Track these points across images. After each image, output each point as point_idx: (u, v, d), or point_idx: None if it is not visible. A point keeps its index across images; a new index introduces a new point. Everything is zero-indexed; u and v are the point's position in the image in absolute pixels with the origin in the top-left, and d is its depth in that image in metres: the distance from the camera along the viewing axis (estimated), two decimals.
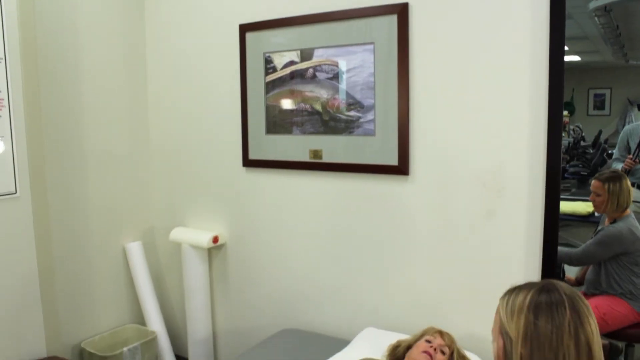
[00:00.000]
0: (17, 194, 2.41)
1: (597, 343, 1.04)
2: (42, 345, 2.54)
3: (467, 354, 2.10)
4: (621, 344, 2.91)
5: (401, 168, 2.31)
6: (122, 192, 3.05)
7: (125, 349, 2.76)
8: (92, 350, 2.77)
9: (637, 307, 2.76)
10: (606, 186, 2.89)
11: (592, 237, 2.98)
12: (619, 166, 3.76)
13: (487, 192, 2.17)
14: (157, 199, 3.20)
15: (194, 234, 2.90)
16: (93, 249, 2.91)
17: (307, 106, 2.53)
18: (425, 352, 1.95)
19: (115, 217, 3.01)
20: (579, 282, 3.17)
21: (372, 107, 2.35)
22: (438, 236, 2.30)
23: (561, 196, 2.12)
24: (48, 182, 2.64)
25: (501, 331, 1.09)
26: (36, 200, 2.53)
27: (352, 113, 2.41)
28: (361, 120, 2.39)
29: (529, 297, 1.07)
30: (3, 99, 2.34)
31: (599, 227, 3.04)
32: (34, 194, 2.51)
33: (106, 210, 2.96)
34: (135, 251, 3.04)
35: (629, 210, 2.91)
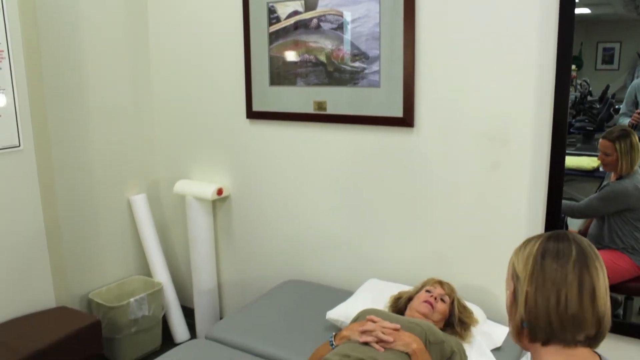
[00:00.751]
0: (21, 147, 2.41)
1: (603, 291, 1.06)
2: (51, 296, 2.59)
3: (467, 304, 2.13)
4: (620, 297, 2.94)
5: (406, 120, 2.29)
6: (126, 145, 3.04)
7: (132, 299, 2.81)
8: (100, 301, 2.82)
9: (638, 262, 2.77)
10: (617, 146, 2.86)
11: (596, 192, 2.96)
12: (625, 121, 3.71)
13: (492, 144, 2.16)
14: (161, 152, 3.19)
15: (198, 186, 2.91)
16: (98, 201, 2.92)
17: (312, 57, 2.49)
18: (426, 301, 1.98)
19: (119, 170, 3.02)
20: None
21: (377, 58, 2.32)
22: (442, 188, 2.30)
23: (566, 151, 2.11)
24: (51, 135, 2.63)
25: (512, 276, 1.12)
26: (40, 153, 2.53)
27: (357, 64, 2.37)
28: (366, 71, 2.36)
29: (539, 242, 1.10)
30: (3, 51, 2.31)
31: (604, 183, 3.03)
32: (37, 147, 2.51)
33: (110, 162, 2.96)
34: (140, 203, 3.06)
35: (635, 166, 2.89)
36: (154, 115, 3.16)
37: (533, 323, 1.05)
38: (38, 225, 2.52)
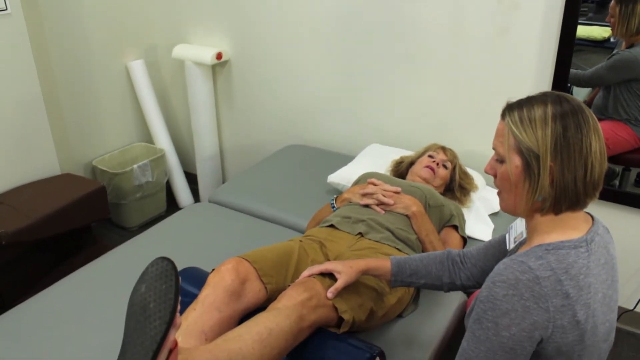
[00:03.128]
0: (8, 11, 2.30)
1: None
2: (55, 164, 2.61)
3: (469, 170, 2.15)
4: (618, 168, 2.98)
5: None
6: (121, 9, 2.91)
7: (135, 166, 2.85)
8: (104, 168, 2.86)
9: (639, 133, 2.78)
10: (618, 7, 2.75)
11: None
12: None
13: (502, 8, 2.07)
14: (158, 15, 3.06)
15: (197, 51, 2.82)
16: (95, 68, 2.86)
17: None
18: (427, 166, 1.99)
19: (115, 35, 2.92)
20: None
21: None
22: (448, 53, 2.24)
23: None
24: None
25: (518, 149, 1.02)
26: (30, 17, 2.43)
27: None
28: None
29: (550, 109, 1.01)
30: None
31: (614, 51, 2.95)
32: (26, 10, 2.41)
33: (105, 27, 2.85)
34: (138, 69, 3.00)
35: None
36: None
37: (558, 196, 0.99)
38: (35, 92, 2.47)
